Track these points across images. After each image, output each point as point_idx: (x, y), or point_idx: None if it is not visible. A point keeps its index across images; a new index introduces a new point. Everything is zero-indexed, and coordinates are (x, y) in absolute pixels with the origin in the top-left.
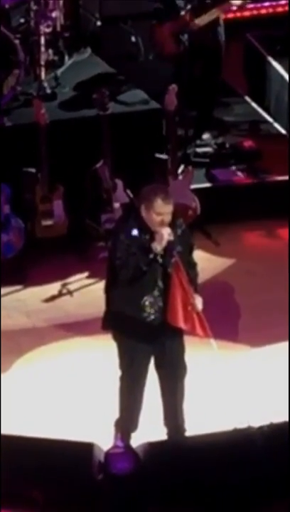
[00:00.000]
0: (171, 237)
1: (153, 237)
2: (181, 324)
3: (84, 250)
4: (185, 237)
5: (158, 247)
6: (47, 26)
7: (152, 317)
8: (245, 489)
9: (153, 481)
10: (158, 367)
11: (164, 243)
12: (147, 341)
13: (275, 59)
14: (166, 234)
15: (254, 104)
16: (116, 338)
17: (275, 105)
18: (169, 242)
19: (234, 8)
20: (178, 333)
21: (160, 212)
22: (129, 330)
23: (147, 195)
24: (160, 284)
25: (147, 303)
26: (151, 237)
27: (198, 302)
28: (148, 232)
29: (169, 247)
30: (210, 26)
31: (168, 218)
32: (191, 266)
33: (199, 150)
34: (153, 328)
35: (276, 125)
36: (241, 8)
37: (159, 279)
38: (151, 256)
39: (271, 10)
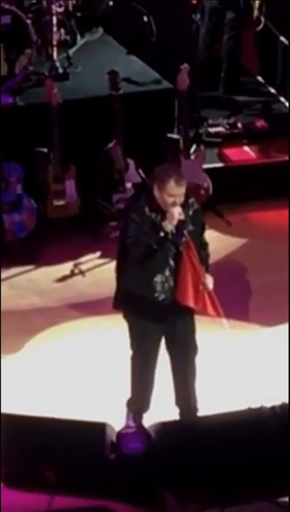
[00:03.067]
0: (182, 217)
1: (165, 216)
2: (191, 303)
3: (96, 230)
4: (197, 216)
5: (168, 226)
6: (59, 6)
7: (163, 296)
8: (257, 469)
9: (165, 461)
10: (169, 347)
11: (175, 222)
12: (158, 321)
13: (288, 39)
14: (177, 213)
15: (266, 84)
16: (127, 317)
17: (287, 85)
18: (180, 222)
19: None
20: (189, 313)
21: (173, 193)
22: (139, 309)
23: (160, 175)
24: (171, 263)
25: (158, 282)
26: (162, 216)
27: (209, 282)
28: (160, 211)
29: (180, 227)
30: None
31: (180, 200)
32: (203, 246)
33: (211, 130)
34: (163, 308)
35: (288, 104)
36: None
37: (170, 258)
38: (162, 234)
39: None
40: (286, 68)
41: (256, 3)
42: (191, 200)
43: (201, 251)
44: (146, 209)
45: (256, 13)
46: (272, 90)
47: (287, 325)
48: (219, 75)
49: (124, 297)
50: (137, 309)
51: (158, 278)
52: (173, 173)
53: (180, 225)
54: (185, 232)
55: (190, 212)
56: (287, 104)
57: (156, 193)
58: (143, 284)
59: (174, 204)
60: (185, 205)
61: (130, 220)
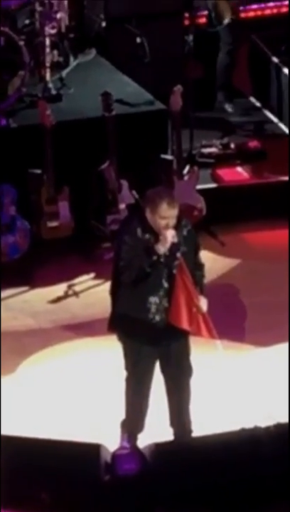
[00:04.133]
0: (175, 240)
1: (158, 238)
2: (185, 325)
3: (89, 251)
4: (191, 237)
5: (161, 248)
6: (52, 27)
7: (157, 318)
8: (252, 489)
9: (160, 481)
10: (163, 368)
11: (168, 245)
12: (152, 343)
13: (280, 59)
14: (170, 236)
15: (258, 105)
16: (121, 339)
17: (279, 105)
18: (173, 244)
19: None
20: (184, 335)
21: (165, 216)
22: (134, 332)
23: (152, 198)
24: (165, 285)
25: (152, 304)
26: (155, 239)
27: (203, 304)
28: (153, 234)
29: (173, 249)
30: None
31: (172, 222)
32: (198, 267)
33: (204, 150)
34: (158, 330)
35: (281, 125)
36: None
37: (164, 280)
38: (155, 257)
39: (275, 10)
40: (280, 89)
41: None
42: (184, 221)
43: (196, 272)
44: (139, 231)
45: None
46: (265, 111)
47: (282, 345)
48: (212, 96)
49: (119, 319)
50: (131, 331)
51: (152, 300)
52: (165, 196)
53: (174, 247)
54: (179, 254)
55: (184, 233)
56: (280, 124)
57: (149, 215)
58: (138, 306)
59: (167, 226)
60: (178, 227)
61: (123, 242)
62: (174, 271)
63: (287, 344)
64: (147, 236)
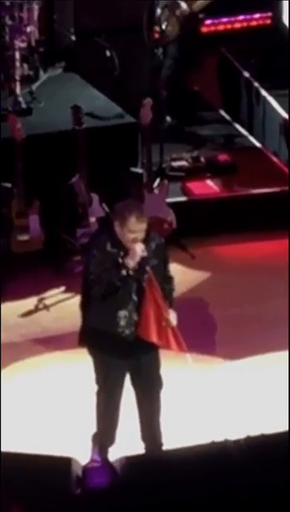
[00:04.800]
0: (144, 254)
1: (127, 252)
2: (154, 339)
3: (60, 265)
4: (160, 250)
5: (131, 262)
6: (22, 41)
7: (127, 332)
8: (223, 502)
9: (131, 495)
10: (133, 381)
11: (137, 259)
12: (122, 356)
13: (249, 73)
14: (139, 250)
15: (228, 118)
16: (91, 353)
17: (249, 118)
18: (142, 258)
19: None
20: (153, 348)
21: (134, 230)
22: (104, 345)
23: (121, 212)
24: (134, 298)
25: (122, 318)
26: (124, 253)
27: (172, 317)
28: (122, 248)
29: (143, 263)
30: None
31: (141, 236)
32: (167, 280)
33: (174, 164)
34: (128, 343)
35: (251, 138)
36: None
37: (134, 293)
38: (124, 272)
39: (245, 24)
40: (249, 102)
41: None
42: (153, 235)
43: (165, 285)
44: (108, 245)
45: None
46: (235, 124)
47: (252, 358)
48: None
49: (89, 333)
50: (101, 345)
51: (121, 313)
52: (133, 210)
53: (143, 261)
54: (148, 268)
55: (153, 246)
56: (250, 138)
57: (118, 229)
58: (107, 320)
59: (135, 240)
60: (147, 240)
61: (92, 256)
62: (143, 284)
63: (257, 357)
64: (116, 250)
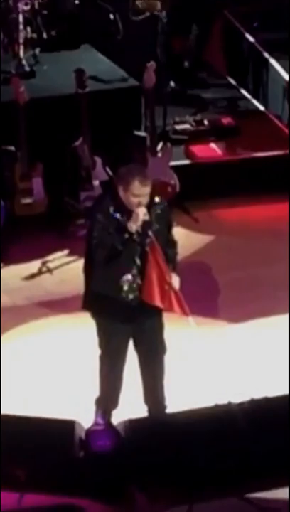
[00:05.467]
0: (147, 217)
1: (130, 216)
2: (157, 302)
3: (63, 228)
4: (165, 215)
5: (133, 226)
6: (26, 4)
7: (130, 296)
8: (226, 465)
9: (134, 458)
10: (137, 345)
11: (139, 223)
12: (125, 321)
13: (253, 36)
14: (142, 214)
15: (232, 81)
16: (95, 317)
17: (253, 82)
18: (145, 222)
19: None
20: (157, 312)
21: (138, 194)
22: (107, 309)
23: (124, 176)
24: (138, 262)
25: (125, 282)
26: (127, 217)
27: (175, 281)
28: (125, 212)
29: (145, 227)
30: None
31: (145, 200)
32: (171, 244)
33: (177, 127)
34: (131, 308)
35: (255, 102)
36: None
37: (137, 257)
38: (127, 235)
39: None
40: (253, 65)
41: None
42: (158, 199)
43: (169, 249)
44: (111, 209)
45: None
46: (238, 87)
47: (255, 321)
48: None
49: (92, 297)
50: (105, 309)
51: (125, 277)
52: (137, 174)
53: (145, 225)
54: (150, 232)
55: (158, 211)
56: (254, 101)
57: (121, 193)
58: (111, 284)
59: (139, 204)
60: (151, 205)
61: (95, 220)
62: (147, 249)
63: (260, 320)
64: (119, 214)
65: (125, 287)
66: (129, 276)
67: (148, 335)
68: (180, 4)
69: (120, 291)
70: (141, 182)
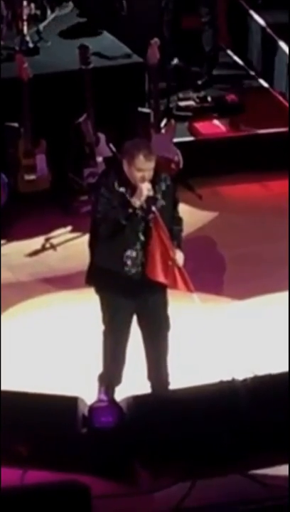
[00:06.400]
0: (151, 193)
1: (134, 191)
2: (160, 278)
3: (67, 204)
4: (170, 191)
5: (137, 201)
6: None
7: (133, 271)
8: (229, 441)
9: (137, 434)
10: (140, 321)
11: (143, 198)
12: (129, 296)
13: (257, 12)
14: (145, 189)
15: (236, 58)
16: (98, 292)
17: (257, 59)
18: (149, 198)
19: None
20: (161, 288)
21: (142, 168)
22: (111, 285)
23: (129, 150)
24: (142, 238)
25: (129, 257)
26: (131, 192)
27: (179, 257)
28: (129, 186)
29: (149, 202)
30: None
31: (149, 174)
32: (176, 221)
33: (181, 104)
34: (135, 283)
35: (259, 79)
36: None
37: (141, 233)
38: (130, 210)
39: None
40: (258, 43)
41: None
42: (164, 175)
43: (174, 226)
44: (116, 184)
45: None
46: (243, 64)
47: (259, 297)
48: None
49: (96, 272)
50: (108, 284)
51: (128, 253)
52: (142, 148)
53: (149, 200)
54: (154, 208)
55: (163, 188)
56: (258, 78)
57: (126, 167)
58: (114, 259)
59: (143, 179)
60: (156, 180)
61: (99, 195)
62: (151, 224)
63: (265, 296)
64: (123, 188)
65: (128, 262)
66: (132, 252)
67: (151, 310)
68: None
69: (123, 265)
70: (146, 156)
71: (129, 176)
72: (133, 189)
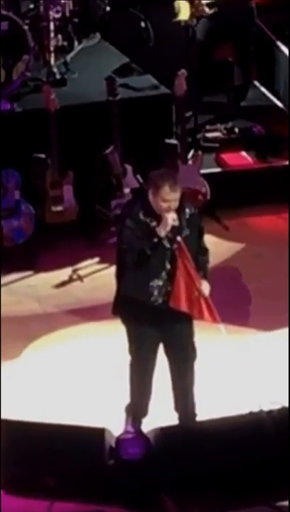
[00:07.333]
0: (176, 223)
1: (159, 221)
2: (183, 308)
3: (94, 236)
4: (194, 220)
5: (162, 231)
6: (57, 12)
7: (160, 301)
8: (256, 473)
9: (164, 466)
10: (167, 351)
11: (168, 228)
12: (156, 326)
13: (284, 44)
14: (171, 219)
15: (263, 89)
16: (125, 322)
17: (284, 90)
18: (174, 227)
19: None
20: (187, 318)
21: (167, 199)
22: (137, 314)
23: (155, 180)
24: (168, 268)
25: (155, 287)
26: (157, 222)
27: (205, 287)
28: (154, 216)
29: (174, 232)
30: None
31: (174, 205)
32: (202, 251)
33: (208, 135)
34: (161, 312)
35: (286, 110)
36: None
37: (167, 263)
38: (156, 240)
39: None
40: (285, 74)
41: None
42: (188, 205)
43: (199, 256)
44: (141, 214)
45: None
46: (269, 95)
47: (285, 329)
48: (220, 81)
49: (122, 302)
50: (135, 314)
51: (155, 282)
52: (167, 179)
53: (174, 230)
54: (179, 238)
55: (187, 216)
56: (284, 109)
57: (151, 198)
58: (141, 289)
59: (168, 209)
60: (181, 210)
61: (125, 225)
62: (176, 254)
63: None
64: (148, 218)
65: (155, 292)
66: (158, 281)
67: (178, 340)
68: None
69: (150, 295)
70: (171, 187)
71: (154, 207)
72: (158, 219)
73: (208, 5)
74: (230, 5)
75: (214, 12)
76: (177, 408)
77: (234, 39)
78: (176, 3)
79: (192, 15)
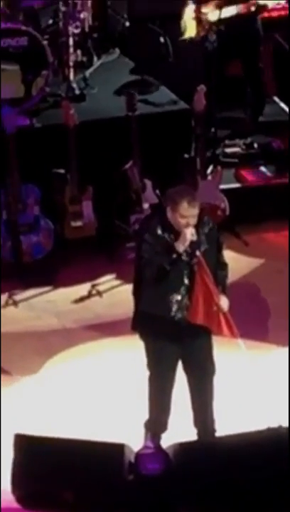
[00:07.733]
0: (195, 238)
1: (178, 236)
2: (200, 322)
3: (113, 251)
4: (213, 235)
5: (181, 246)
6: (76, 27)
7: (179, 316)
8: (276, 489)
9: (184, 481)
10: (186, 367)
11: (187, 243)
12: (174, 341)
13: None
14: (189, 234)
15: (282, 105)
16: (143, 337)
17: None
18: (193, 242)
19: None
20: (206, 332)
21: (186, 215)
22: (156, 329)
23: (173, 197)
24: (186, 283)
25: (174, 302)
26: (175, 237)
27: (224, 302)
28: (173, 232)
29: (193, 247)
30: (243, 22)
31: (193, 221)
32: (221, 266)
33: (228, 150)
34: (180, 327)
35: None
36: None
37: (186, 277)
38: (174, 255)
39: None
40: None
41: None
42: (206, 219)
43: (218, 271)
44: (159, 229)
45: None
46: (288, 110)
47: None
48: (237, 96)
49: (141, 317)
50: (154, 329)
51: (173, 297)
52: (185, 195)
53: (193, 245)
54: (198, 252)
55: (205, 231)
56: None
57: (169, 213)
58: (160, 304)
59: (187, 225)
60: (199, 225)
61: (143, 240)
62: (195, 269)
63: None
64: (167, 234)
65: (174, 307)
66: (177, 296)
67: (197, 355)
68: (229, 29)
69: (169, 310)
70: (189, 203)
71: (172, 222)
72: (176, 234)
73: (214, 23)
74: (235, 23)
75: (219, 29)
76: (196, 424)
77: (242, 57)
78: (182, 22)
79: (198, 33)
